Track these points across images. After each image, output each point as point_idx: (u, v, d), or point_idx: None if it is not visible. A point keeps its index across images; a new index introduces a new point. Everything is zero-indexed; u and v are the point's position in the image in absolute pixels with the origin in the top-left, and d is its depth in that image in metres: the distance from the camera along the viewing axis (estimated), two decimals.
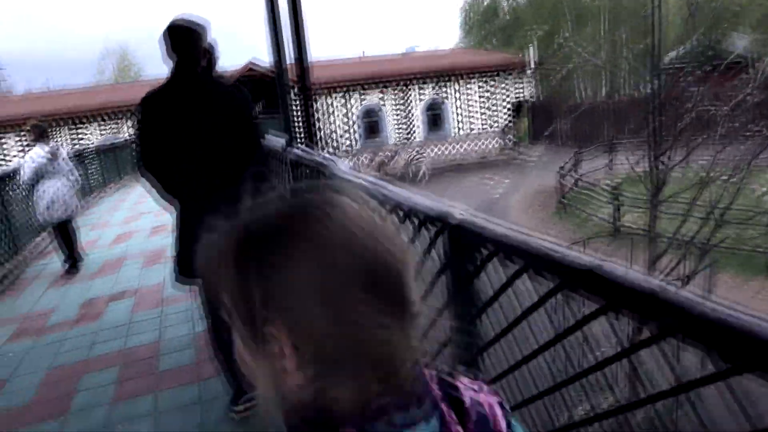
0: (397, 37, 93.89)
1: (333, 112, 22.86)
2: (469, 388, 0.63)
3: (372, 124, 23.98)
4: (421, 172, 22.47)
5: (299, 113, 4.39)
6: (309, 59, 4.18)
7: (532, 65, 25.05)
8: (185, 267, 2.60)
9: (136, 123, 2.55)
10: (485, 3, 43.80)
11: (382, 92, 23.67)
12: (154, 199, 2.98)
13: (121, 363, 3.48)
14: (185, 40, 2.51)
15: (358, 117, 23.60)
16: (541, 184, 19.40)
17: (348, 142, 22.83)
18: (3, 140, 20.60)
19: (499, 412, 0.63)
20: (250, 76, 21.63)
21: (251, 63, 21.48)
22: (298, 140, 4.30)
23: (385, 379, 0.52)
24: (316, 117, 4.41)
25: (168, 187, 2.62)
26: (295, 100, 4.39)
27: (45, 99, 22.94)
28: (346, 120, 23.20)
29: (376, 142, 23.91)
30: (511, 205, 16.87)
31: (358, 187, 0.75)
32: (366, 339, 0.51)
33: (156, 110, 2.53)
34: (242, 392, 2.63)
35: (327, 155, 3.26)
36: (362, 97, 23.48)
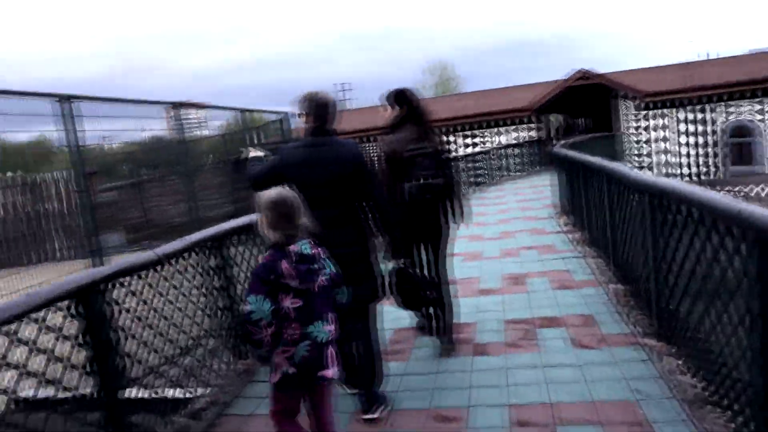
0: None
1: (686, 130, 17.82)
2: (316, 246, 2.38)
3: (742, 147, 17.92)
4: None
5: None
6: None
7: None
8: None
9: (268, 163, 3.24)
10: None
11: (760, 102, 17.48)
12: None
13: None
14: (323, 109, 3.18)
15: (721, 137, 17.85)
16: None
17: (704, 170, 17.46)
18: None
19: (322, 252, 2.40)
20: (578, 86, 18.40)
21: (582, 71, 18.14)
22: None
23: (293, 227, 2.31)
24: None
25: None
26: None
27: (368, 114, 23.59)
28: (702, 141, 17.80)
29: (745, 171, 17.82)
30: None
31: None
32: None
33: (290, 160, 3.16)
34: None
35: None
36: (728, 110, 17.70)
